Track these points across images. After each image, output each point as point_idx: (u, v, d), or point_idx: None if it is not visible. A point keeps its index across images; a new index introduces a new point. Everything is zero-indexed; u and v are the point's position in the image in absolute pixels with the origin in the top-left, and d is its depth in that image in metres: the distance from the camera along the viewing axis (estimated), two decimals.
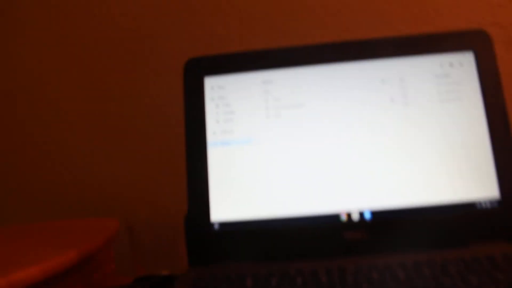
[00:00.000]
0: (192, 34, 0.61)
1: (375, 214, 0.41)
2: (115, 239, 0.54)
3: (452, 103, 0.43)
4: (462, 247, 0.40)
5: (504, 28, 0.58)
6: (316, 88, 0.44)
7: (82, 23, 0.64)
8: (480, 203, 0.41)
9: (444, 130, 0.43)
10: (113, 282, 0.49)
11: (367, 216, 0.41)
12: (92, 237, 0.49)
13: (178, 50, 0.61)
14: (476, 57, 0.44)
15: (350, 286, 0.35)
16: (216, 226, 0.42)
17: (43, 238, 0.51)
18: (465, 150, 0.42)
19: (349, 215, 0.42)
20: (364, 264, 0.38)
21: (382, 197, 0.42)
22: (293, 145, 0.43)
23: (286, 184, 0.42)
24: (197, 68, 0.45)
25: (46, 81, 0.65)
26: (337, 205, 0.42)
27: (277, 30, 0.60)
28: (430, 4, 0.60)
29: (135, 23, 0.63)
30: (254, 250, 0.42)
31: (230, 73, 0.45)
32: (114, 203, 0.63)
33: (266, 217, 0.42)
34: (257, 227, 0.42)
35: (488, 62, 0.43)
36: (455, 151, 0.42)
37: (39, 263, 0.39)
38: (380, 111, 0.43)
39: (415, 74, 0.44)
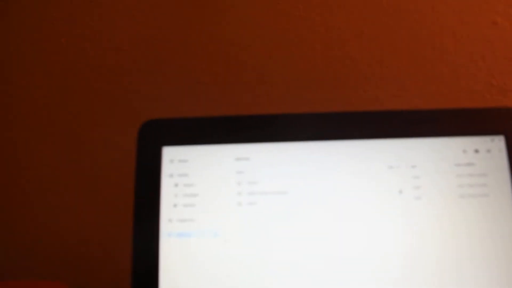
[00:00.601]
0: (162, 83, 0.52)
1: None
2: None
3: (476, 200, 0.34)
4: None
5: None
6: (303, 172, 0.34)
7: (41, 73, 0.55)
8: None
9: (463, 234, 0.33)
10: None
11: None
12: None
13: (143, 103, 0.52)
14: (508, 142, 0.35)
15: None
16: None
17: None
18: (490, 260, 0.33)
19: None
20: None
21: None
22: (269, 244, 0.33)
23: None
24: (155, 133, 0.35)
25: None
26: None
27: (267, 93, 0.50)
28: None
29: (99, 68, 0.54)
30: None
31: (197, 144, 0.35)
32: (62, 264, 0.54)
33: None
34: None
35: None
36: (476, 261, 0.33)
37: None
38: (384, 206, 0.34)
39: (431, 160, 0.35)
